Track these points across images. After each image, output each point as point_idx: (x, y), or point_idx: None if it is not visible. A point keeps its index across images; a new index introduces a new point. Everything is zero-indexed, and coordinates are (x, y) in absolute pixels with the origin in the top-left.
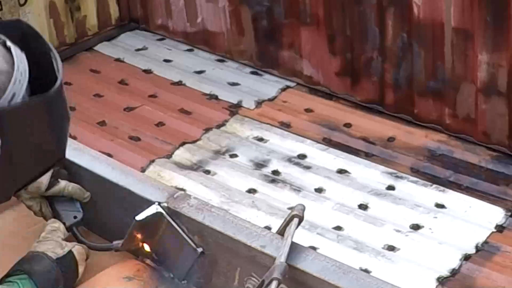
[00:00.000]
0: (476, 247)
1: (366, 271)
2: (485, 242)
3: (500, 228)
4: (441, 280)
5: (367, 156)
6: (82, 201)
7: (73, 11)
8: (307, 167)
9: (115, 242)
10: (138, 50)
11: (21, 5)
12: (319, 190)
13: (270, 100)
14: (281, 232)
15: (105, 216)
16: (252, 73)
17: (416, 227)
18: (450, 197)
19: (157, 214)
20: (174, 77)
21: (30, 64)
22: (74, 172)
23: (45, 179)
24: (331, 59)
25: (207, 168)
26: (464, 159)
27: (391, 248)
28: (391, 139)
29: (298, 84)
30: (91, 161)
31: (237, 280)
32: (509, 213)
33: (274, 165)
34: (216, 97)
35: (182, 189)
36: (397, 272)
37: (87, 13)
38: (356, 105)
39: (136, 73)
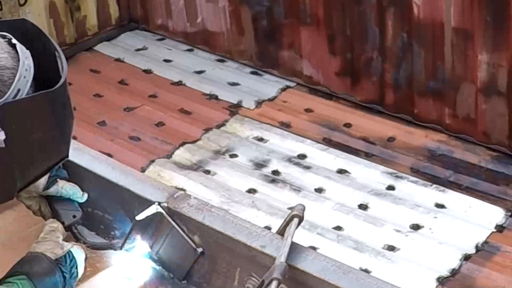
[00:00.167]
0: (476, 247)
1: (366, 271)
2: (485, 242)
3: (500, 228)
4: (441, 280)
5: (367, 156)
6: (80, 202)
7: (73, 11)
8: (307, 167)
9: (115, 242)
10: (138, 50)
11: (21, 5)
12: (319, 190)
13: (270, 100)
14: (281, 232)
15: (105, 216)
16: (252, 73)
17: (416, 227)
18: (450, 197)
19: (157, 214)
20: (174, 77)
21: (34, 63)
22: (74, 172)
23: (43, 178)
24: (331, 59)
25: (207, 168)
26: (464, 159)
27: (391, 248)
28: (391, 139)
29: (298, 84)
30: (91, 161)
31: (237, 280)
32: (509, 213)
33: (274, 165)
34: (216, 97)
35: (182, 189)
36: (397, 272)
37: (87, 13)
38: (356, 105)
39: (136, 73)
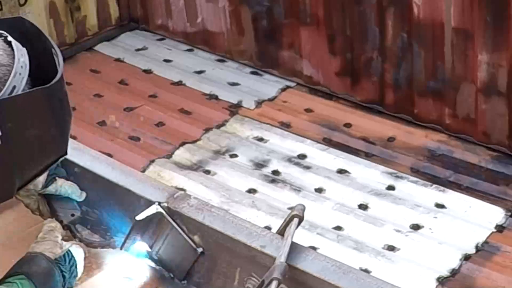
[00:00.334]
0: (476, 247)
1: (366, 271)
2: (485, 242)
3: (500, 228)
4: (441, 280)
5: (367, 156)
6: (78, 200)
7: (73, 11)
8: (307, 167)
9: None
10: (138, 50)
11: (21, 5)
12: (319, 190)
13: (270, 100)
14: (281, 232)
15: (105, 216)
16: (252, 73)
17: (416, 227)
18: (450, 197)
19: (157, 214)
20: (174, 77)
21: (31, 61)
22: (74, 172)
23: (42, 177)
24: (331, 59)
25: (207, 168)
26: (464, 159)
27: (391, 248)
28: (391, 139)
29: (298, 84)
30: (91, 161)
31: (237, 280)
32: (509, 213)
33: (274, 165)
34: (216, 97)
35: (182, 189)
36: (397, 272)
37: (87, 13)
38: (356, 105)
39: (136, 73)
